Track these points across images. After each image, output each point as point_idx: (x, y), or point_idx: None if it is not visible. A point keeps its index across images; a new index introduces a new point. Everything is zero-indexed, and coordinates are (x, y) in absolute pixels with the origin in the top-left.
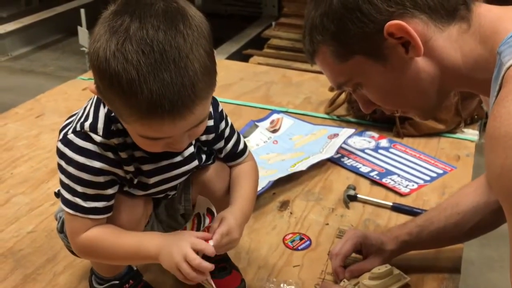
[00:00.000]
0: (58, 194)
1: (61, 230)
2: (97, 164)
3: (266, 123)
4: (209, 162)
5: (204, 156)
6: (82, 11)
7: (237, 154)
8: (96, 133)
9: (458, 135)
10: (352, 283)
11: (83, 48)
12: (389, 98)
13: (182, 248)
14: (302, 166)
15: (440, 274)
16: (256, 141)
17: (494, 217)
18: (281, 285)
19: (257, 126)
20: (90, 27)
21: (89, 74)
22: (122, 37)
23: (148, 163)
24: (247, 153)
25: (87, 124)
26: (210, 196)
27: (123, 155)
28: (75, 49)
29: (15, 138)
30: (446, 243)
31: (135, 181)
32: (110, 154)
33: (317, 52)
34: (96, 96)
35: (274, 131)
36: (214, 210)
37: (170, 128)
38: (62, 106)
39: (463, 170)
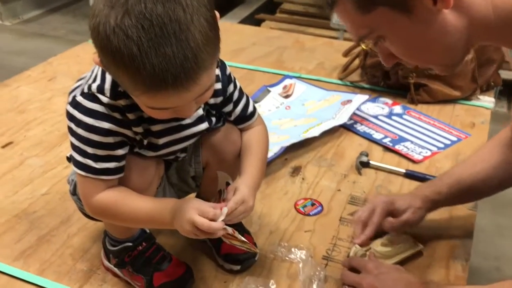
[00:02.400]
0: (70, 159)
1: (74, 192)
2: (105, 125)
3: (279, 88)
4: (219, 125)
5: (213, 119)
6: None
7: (246, 117)
8: (103, 94)
9: (473, 102)
10: (363, 248)
11: None
12: (413, 52)
13: (190, 217)
14: (315, 132)
15: (451, 241)
16: (268, 107)
17: None
18: (292, 249)
19: (269, 91)
20: None
21: None
22: (120, 12)
23: (157, 123)
24: (256, 115)
25: (94, 86)
26: (221, 159)
27: (131, 116)
28: (86, 12)
29: (28, 101)
30: (474, 198)
31: (145, 142)
32: (117, 115)
33: (336, 3)
34: None
35: (287, 97)
36: (231, 182)
37: (176, 100)
38: (74, 70)
39: (478, 138)
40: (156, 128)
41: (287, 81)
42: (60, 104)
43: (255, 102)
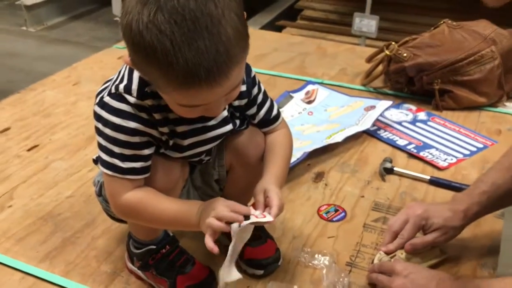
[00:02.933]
0: (96, 161)
1: (100, 193)
2: (132, 124)
3: (301, 94)
4: (243, 127)
5: (237, 122)
6: None
7: (270, 120)
8: (130, 94)
9: (499, 109)
10: (388, 256)
11: (117, 18)
12: None
13: (216, 211)
14: (338, 138)
15: (479, 249)
16: (291, 112)
17: None
18: (316, 255)
19: (292, 97)
20: None
21: (124, 43)
22: (153, 8)
23: (182, 124)
24: (280, 119)
25: (121, 86)
26: (244, 162)
27: (157, 116)
28: (108, 19)
29: (53, 105)
30: (511, 203)
31: (171, 142)
32: (144, 115)
33: None
34: None
35: (309, 102)
36: None
37: (207, 95)
38: (98, 75)
39: (504, 145)
40: (181, 129)
41: (310, 87)
42: (84, 108)
43: (278, 107)
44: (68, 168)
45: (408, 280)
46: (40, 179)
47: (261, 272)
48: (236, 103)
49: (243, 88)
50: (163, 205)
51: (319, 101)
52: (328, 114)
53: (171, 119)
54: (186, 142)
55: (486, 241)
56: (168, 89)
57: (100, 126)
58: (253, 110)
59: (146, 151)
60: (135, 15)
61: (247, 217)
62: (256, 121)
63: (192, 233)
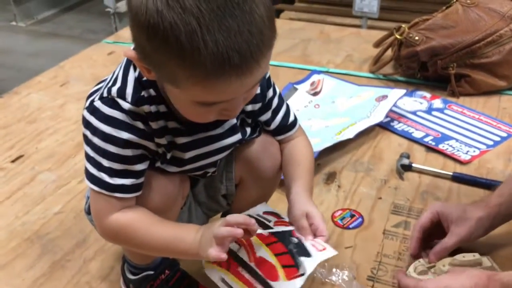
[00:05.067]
0: None
1: (89, 211)
2: (124, 134)
3: (306, 85)
4: (254, 135)
5: (248, 130)
6: None
7: (287, 127)
8: (124, 99)
9: None
10: (427, 265)
11: (109, 9)
12: None
13: (216, 231)
14: (349, 134)
15: None
16: (296, 106)
17: None
18: (333, 270)
19: (296, 89)
20: None
21: (114, 37)
22: None
23: (183, 135)
24: (297, 126)
25: (114, 89)
26: (257, 175)
27: (154, 125)
28: (100, 10)
29: (39, 109)
30: None
31: (168, 156)
32: (139, 124)
33: None
34: (125, 58)
35: (315, 94)
36: (273, 209)
37: (236, 88)
38: (88, 73)
39: None
40: (181, 140)
41: (315, 77)
42: (73, 111)
43: None
44: (56, 180)
45: None
46: (26, 193)
47: None
48: (249, 107)
49: (257, 91)
50: (155, 229)
51: (325, 92)
52: (336, 106)
53: (170, 128)
54: (187, 155)
55: None
56: (189, 82)
57: (88, 134)
58: (268, 115)
59: (139, 166)
60: None
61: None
62: (271, 128)
63: None
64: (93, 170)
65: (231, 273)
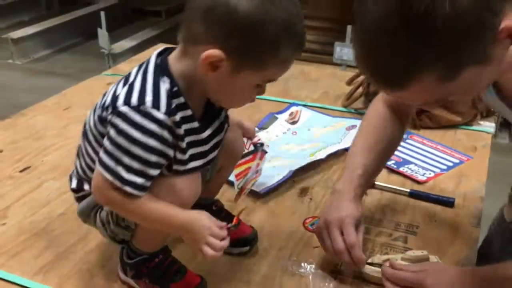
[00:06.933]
0: (76, 190)
1: (82, 213)
2: (151, 142)
3: (285, 115)
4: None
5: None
6: (102, 13)
7: None
8: (158, 109)
9: (474, 127)
10: (381, 258)
11: (103, 50)
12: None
13: (203, 237)
14: (321, 155)
15: (456, 256)
16: (275, 132)
17: None
18: (302, 264)
19: (276, 118)
20: (110, 29)
21: (113, 70)
22: None
23: (200, 132)
24: None
25: (148, 100)
26: (234, 157)
27: (179, 131)
28: (95, 51)
29: (45, 128)
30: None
31: (187, 154)
32: (165, 134)
33: (412, 80)
34: (150, 73)
35: (293, 123)
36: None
37: (291, 63)
38: (88, 100)
39: (479, 160)
40: (202, 136)
41: (293, 108)
42: (75, 131)
43: (263, 128)
44: (60, 187)
45: None
46: (33, 198)
47: (247, 248)
48: None
49: None
50: (153, 201)
51: (302, 121)
52: (311, 133)
53: (193, 128)
54: (207, 146)
55: (463, 249)
56: (276, 61)
57: (112, 133)
58: None
59: (154, 172)
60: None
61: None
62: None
63: (184, 244)
64: (110, 163)
65: None
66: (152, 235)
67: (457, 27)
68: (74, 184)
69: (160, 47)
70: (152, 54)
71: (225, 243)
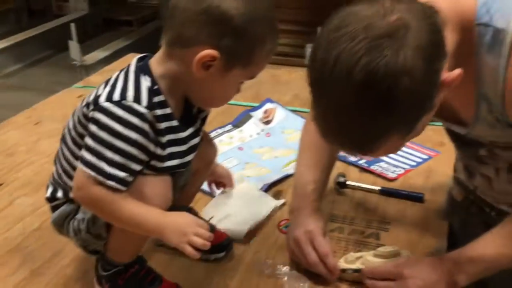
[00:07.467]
0: (50, 199)
1: (56, 222)
2: (133, 135)
3: (260, 113)
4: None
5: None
6: (73, 25)
7: None
8: (139, 103)
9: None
10: (355, 255)
11: (75, 62)
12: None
13: (187, 237)
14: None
15: (426, 249)
16: (249, 132)
17: None
18: (277, 266)
19: (251, 116)
20: (81, 41)
21: (84, 82)
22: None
23: (180, 131)
24: None
25: (130, 95)
26: (207, 162)
27: (160, 125)
28: (66, 63)
29: (16, 144)
30: None
31: (166, 152)
32: (146, 127)
33: (380, 144)
34: (132, 72)
35: (267, 123)
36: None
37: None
38: (59, 114)
39: (447, 155)
40: (181, 135)
41: (268, 105)
42: (46, 146)
43: (237, 126)
44: (33, 203)
45: (421, 280)
46: (7, 214)
47: (223, 253)
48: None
49: None
50: (130, 202)
51: (276, 121)
52: (285, 136)
53: (172, 127)
54: (186, 146)
55: (433, 242)
56: (261, 54)
57: (94, 129)
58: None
59: (136, 166)
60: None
61: None
62: None
63: (159, 253)
64: (92, 158)
65: None
66: (126, 245)
67: (415, 94)
68: (49, 192)
69: (131, 58)
70: (131, 61)
71: (208, 240)
